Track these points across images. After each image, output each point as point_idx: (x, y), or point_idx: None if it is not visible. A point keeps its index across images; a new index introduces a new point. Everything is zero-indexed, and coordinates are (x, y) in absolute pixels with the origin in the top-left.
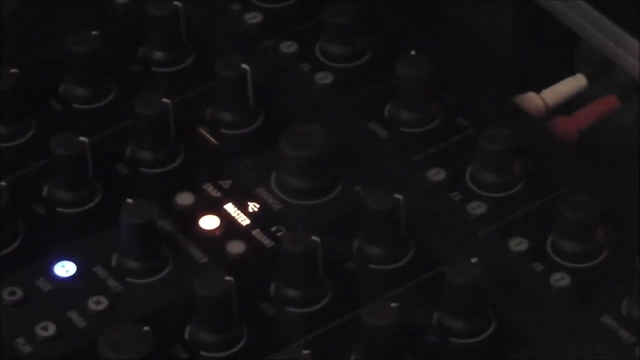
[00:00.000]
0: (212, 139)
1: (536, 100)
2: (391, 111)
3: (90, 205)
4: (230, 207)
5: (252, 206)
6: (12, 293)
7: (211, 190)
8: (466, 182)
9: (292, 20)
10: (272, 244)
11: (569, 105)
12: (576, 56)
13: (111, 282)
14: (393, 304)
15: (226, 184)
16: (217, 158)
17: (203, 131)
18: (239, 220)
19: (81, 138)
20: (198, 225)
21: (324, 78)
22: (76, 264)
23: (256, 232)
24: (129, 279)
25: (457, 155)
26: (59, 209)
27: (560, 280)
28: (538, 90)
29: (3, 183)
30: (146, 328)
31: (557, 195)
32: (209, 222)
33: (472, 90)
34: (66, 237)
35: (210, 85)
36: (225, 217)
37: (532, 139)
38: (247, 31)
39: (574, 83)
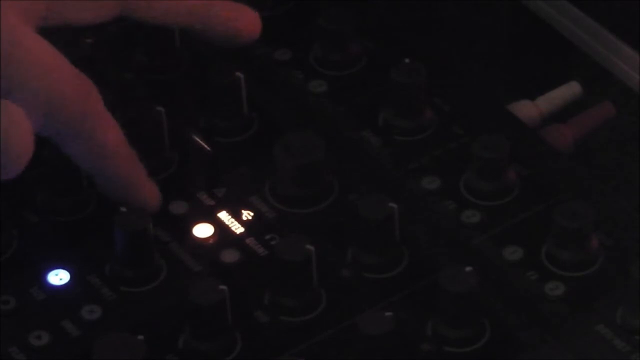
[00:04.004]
0: (206, 147)
1: (531, 108)
2: (385, 119)
3: (84, 213)
4: (224, 216)
5: (246, 214)
6: (6, 302)
7: (205, 198)
8: (460, 191)
9: (286, 28)
10: (267, 252)
11: (564, 113)
12: (571, 64)
13: (105, 291)
14: (387, 313)
15: (220, 192)
16: (211, 166)
17: (197, 139)
18: (233, 228)
19: None
20: (192, 233)
21: (318, 86)
22: (70, 272)
23: (250, 241)
24: (123, 288)
25: (451, 163)
26: (53, 217)
27: (555, 289)
28: (533, 97)
29: None
30: (140, 337)
31: (552, 204)
32: (203, 231)
33: (466, 98)
34: (60, 246)
35: (204, 93)
36: (219, 226)
37: (526, 147)
38: None
39: (568, 90)
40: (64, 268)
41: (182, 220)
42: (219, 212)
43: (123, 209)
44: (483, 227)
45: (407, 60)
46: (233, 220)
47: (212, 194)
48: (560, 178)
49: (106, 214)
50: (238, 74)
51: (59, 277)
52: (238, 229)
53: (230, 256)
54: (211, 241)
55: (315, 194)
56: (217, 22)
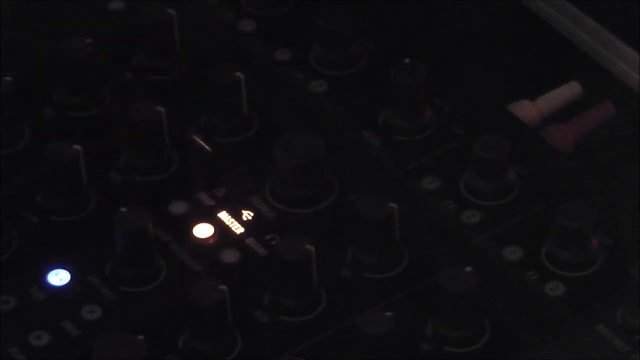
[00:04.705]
0: (206, 147)
1: (531, 108)
2: (385, 119)
3: (84, 213)
4: (224, 216)
5: (246, 214)
6: (6, 302)
7: (205, 198)
8: (460, 191)
9: (286, 28)
10: (267, 252)
11: (564, 113)
12: (571, 63)
13: (105, 291)
14: (387, 313)
15: (220, 192)
16: (211, 166)
17: (197, 139)
18: (233, 228)
19: (75, 146)
20: (192, 233)
21: (318, 86)
22: (70, 272)
23: (250, 241)
24: (123, 288)
25: (451, 163)
26: (53, 218)
27: (555, 289)
28: (533, 97)
29: None
30: (140, 337)
31: (552, 204)
32: (203, 231)
33: (466, 98)
34: (60, 246)
35: (204, 93)
36: (220, 226)
37: (526, 147)
38: (241, 39)
39: (568, 90)
40: (64, 268)
41: (182, 220)
42: (219, 212)
43: (123, 209)
44: (483, 227)
45: (407, 60)
46: (233, 220)
47: (212, 194)
48: (560, 178)
49: (106, 214)
50: (238, 74)
51: (59, 277)
52: (238, 229)
53: (230, 256)
54: (211, 241)
55: (315, 194)
56: None
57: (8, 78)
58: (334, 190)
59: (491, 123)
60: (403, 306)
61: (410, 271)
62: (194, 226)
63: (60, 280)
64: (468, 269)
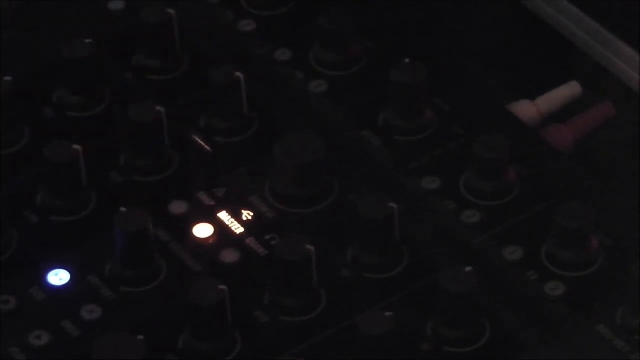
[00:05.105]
0: (206, 147)
1: (530, 108)
2: (385, 119)
3: (84, 213)
4: (224, 216)
5: (246, 214)
6: (6, 302)
7: (205, 198)
8: (460, 191)
9: (286, 28)
10: (266, 252)
11: (564, 113)
12: (571, 63)
13: (105, 291)
14: (387, 313)
15: (220, 192)
16: (211, 166)
17: (197, 139)
18: (233, 228)
19: (75, 146)
20: (192, 233)
21: (318, 86)
22: (70, 272)
23: (250, 241)
24: (123, 288)
25: (451, 163)
26: (53, 218)
27: (555, 289)
28: (533, 97)
29: None
30: (140, 337)
31: (552, 204)
32: (203, 231)
33: (466, 98)
34: (60, 246)
35: (204, 93)
36: (219, 226)
37: (526, 147)
38: (241, 39)
39: (568, 90)
40: (64, 268)
41: (182, 220)
42: (219, 212)
43: (123, 209)
44: (483, 227)
45: (407, 60)
46: (233, 220)
47: (212, 194)
48: (560, 178)
49: (106, 214)
50: (238, 74)
51: (59, 277)
52: (238, 229)
53: (230, 256)
54: (211, 241)
55: (315, 194)
56: None
57: (8, 78)
58: (334, 190)
59: (491, 123)
60: (403, 306)
61: (410, 271)
62: (194, 226)
63: (60, 280)
64: (468, 269)
